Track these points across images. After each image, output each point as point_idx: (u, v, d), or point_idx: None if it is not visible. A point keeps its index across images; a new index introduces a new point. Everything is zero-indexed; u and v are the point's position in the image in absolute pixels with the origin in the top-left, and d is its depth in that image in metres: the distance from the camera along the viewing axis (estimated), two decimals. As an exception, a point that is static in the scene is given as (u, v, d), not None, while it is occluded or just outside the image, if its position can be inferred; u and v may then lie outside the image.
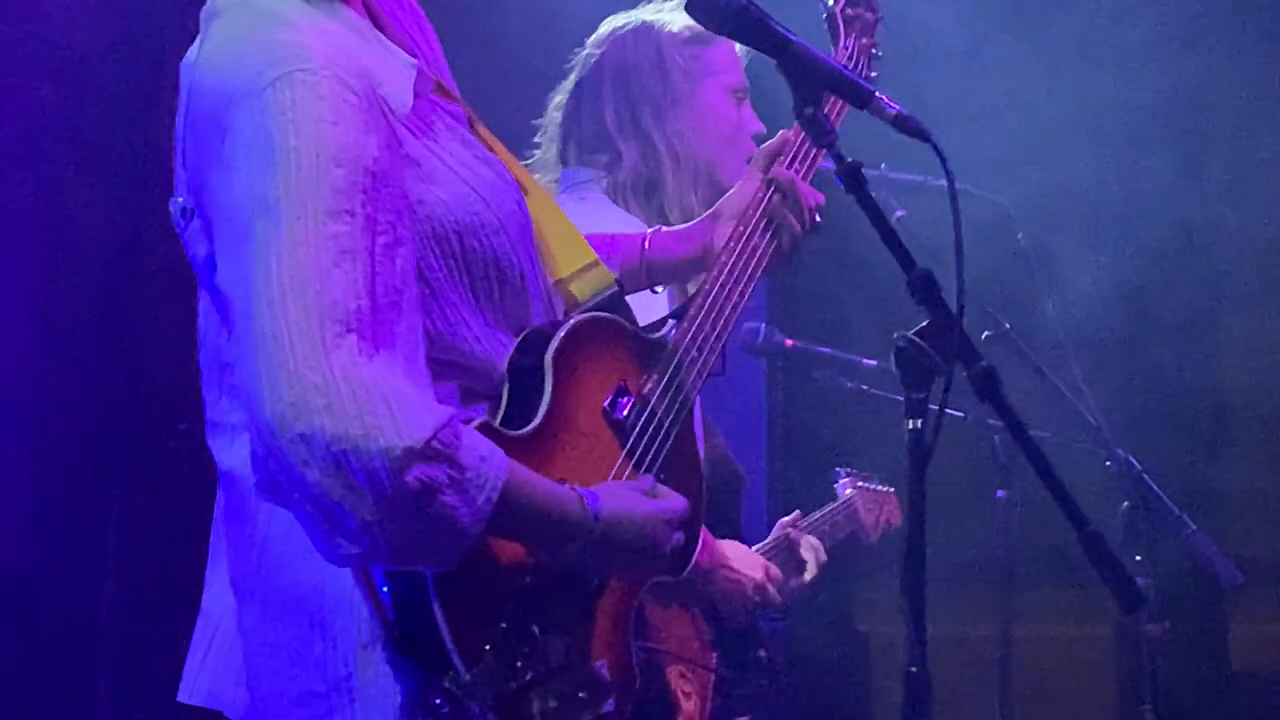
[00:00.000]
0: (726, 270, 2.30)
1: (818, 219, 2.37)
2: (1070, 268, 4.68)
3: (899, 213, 3.45)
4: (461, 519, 1.75)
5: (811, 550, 3.35)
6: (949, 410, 1.88)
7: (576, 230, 2.21)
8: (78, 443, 4.07)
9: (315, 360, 1.70)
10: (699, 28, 3.25)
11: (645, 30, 3.20)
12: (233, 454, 1.87)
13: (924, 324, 1.87)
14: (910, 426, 1.85)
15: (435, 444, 1.72)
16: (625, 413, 2.10)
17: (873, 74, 2.54)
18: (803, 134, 2.31)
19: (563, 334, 2.02)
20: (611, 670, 2.01)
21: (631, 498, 1.99)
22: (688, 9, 2.13)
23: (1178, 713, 4.05)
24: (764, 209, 2.33)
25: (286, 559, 1.85)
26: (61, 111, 4.20)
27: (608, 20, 3.24)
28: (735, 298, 2.30)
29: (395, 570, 1.82)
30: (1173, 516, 3.59)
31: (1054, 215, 4.81)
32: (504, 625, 1.91)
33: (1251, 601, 5.04)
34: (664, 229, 2.56)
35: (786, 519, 3.38)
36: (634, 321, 2.16)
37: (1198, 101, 5.10)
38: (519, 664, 1.92)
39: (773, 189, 2.30)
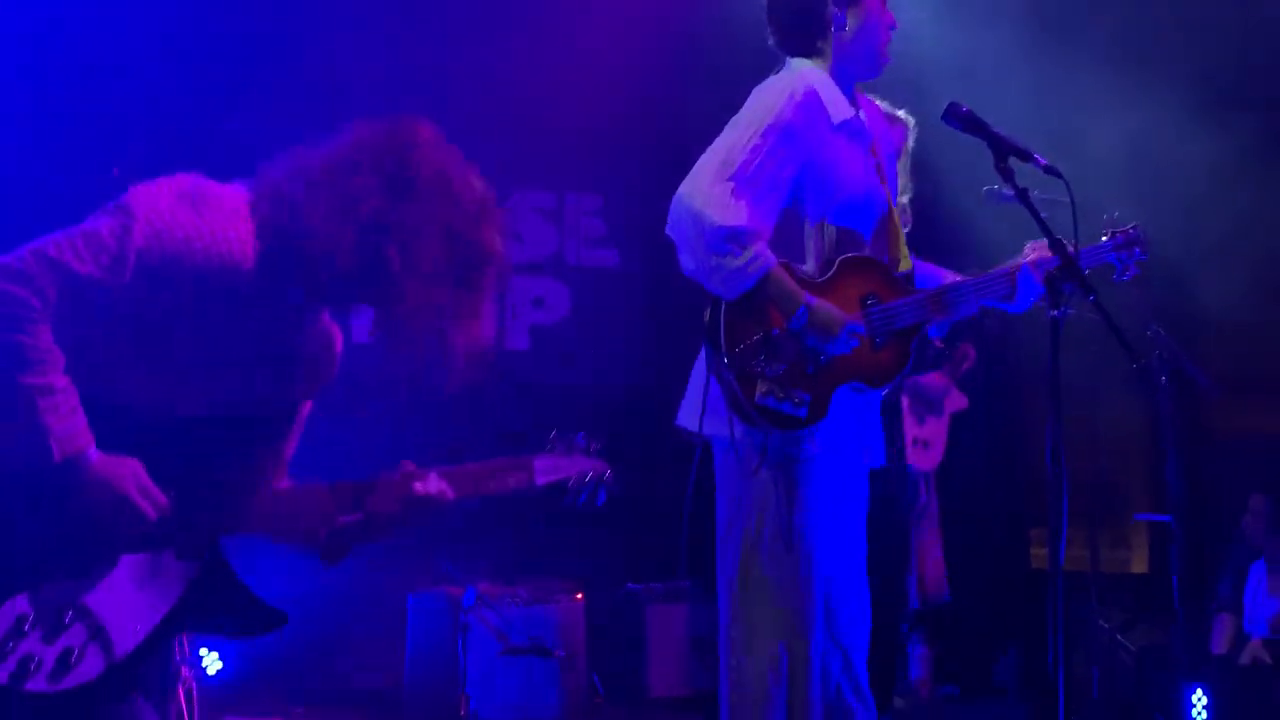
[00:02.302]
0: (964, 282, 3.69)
1: None
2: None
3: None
4: (742, 274, 3.36)
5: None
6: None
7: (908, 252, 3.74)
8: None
9: (710, 181, 3.42)
10: None
11: None
12: None
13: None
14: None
15: (741, 236, 3.34)
16: (870, 303, 3.56)
17: None
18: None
19: (851, 254, 3.56)
20: (812, 405, 3.45)
21: (837, 309, 3.45)
22: (943, 118, 3.47)
23: None
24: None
25: None
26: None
27: None
28: (959, 301, 3.64)
29: (710, 292, 3.42)
30: None
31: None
32: (751, 342, 3.42)
33: None
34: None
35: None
36: (899, 278, 3.63)
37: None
38: (755, 364, 3.42)
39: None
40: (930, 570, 6.91)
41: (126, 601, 2.74)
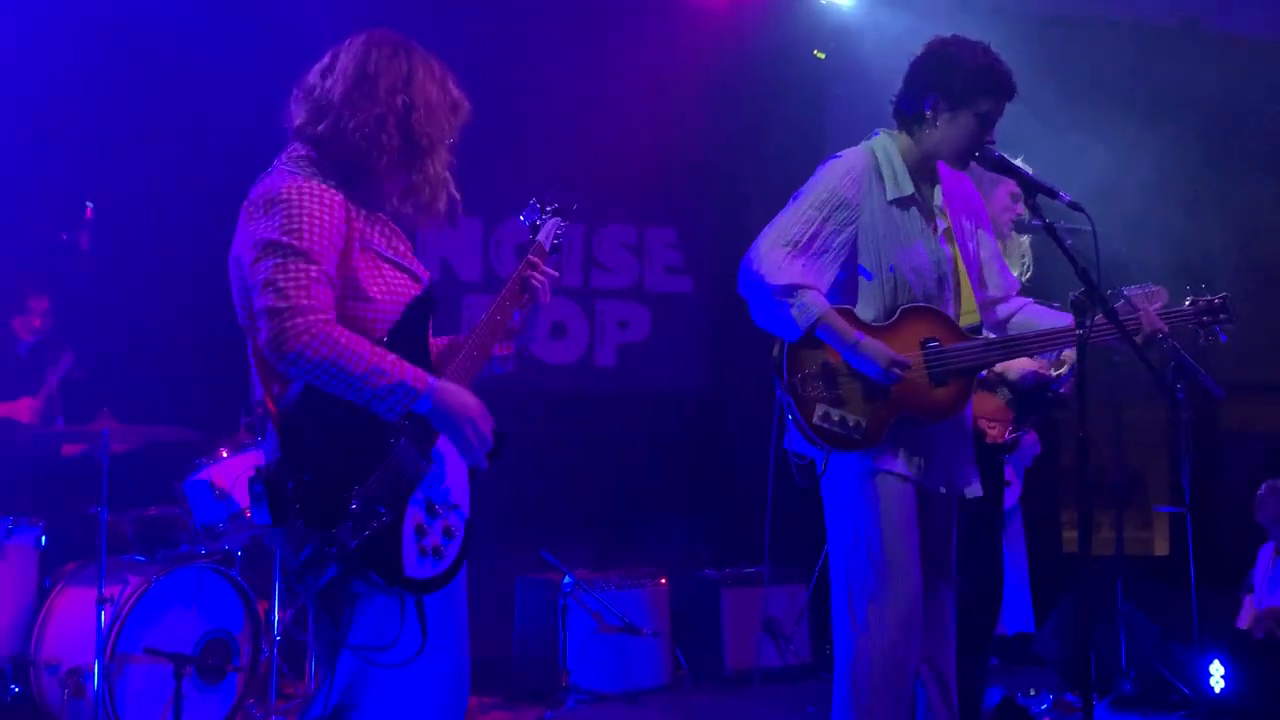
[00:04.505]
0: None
1: None
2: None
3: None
4: (798, 319, 3.54)
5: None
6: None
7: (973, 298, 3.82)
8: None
9: (772, 248, 3.62)
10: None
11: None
12: None
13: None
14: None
15: (793, 290, 3.50)
16: (930, 344, 3.65)
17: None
18: None
19: (917, 305, 3.68)
20: (867, 430, 3.60)
21: (883, 345, 3.56)
22: (977, 161, 3.64)
23: None
24: None
25: None
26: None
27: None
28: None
29: (773, 336, 3.62)
30: None
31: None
32: (810, 372, 3.61)
33: None
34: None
35: None
36: (960, 329, 3.68)
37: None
38: (812, 392, 3.60)
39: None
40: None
41: (457, 477, 3.10)
